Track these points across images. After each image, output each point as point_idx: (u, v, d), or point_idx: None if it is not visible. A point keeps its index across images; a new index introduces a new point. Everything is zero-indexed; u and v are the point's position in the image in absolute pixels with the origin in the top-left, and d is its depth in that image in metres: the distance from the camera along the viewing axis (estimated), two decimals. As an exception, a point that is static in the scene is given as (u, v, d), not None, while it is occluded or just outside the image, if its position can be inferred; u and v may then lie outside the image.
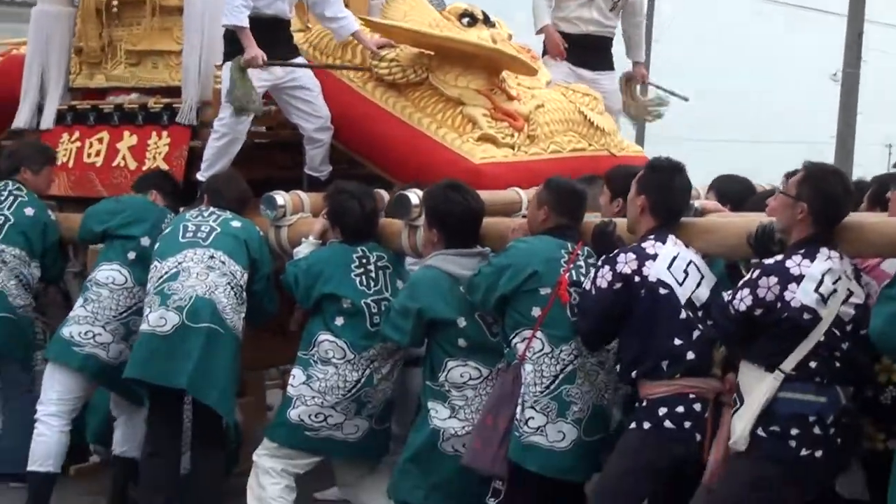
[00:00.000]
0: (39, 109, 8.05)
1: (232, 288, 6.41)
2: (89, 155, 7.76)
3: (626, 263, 5.19)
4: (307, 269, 6.19)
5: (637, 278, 5.15)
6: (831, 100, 22.62)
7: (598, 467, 5.52)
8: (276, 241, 6.67)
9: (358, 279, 6.13)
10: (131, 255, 6.79)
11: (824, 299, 4.77)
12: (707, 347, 5.15)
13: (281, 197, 6.64)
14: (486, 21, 7.28)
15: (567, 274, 5.45)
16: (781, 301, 4.78)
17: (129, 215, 6.89)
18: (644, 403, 5.17)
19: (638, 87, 8.79)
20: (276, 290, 6.68)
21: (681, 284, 5.17)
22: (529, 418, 5.40)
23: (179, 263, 6.40)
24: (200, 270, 6.37)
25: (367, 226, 6.28)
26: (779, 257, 4.89)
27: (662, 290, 5.14)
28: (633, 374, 5.20)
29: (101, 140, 7.74)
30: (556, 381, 5.41)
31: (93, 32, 7.96)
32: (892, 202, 5.19)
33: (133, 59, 7.85)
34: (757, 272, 4.88)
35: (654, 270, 5.15)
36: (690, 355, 5.12)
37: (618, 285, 5.19)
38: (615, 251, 5.29)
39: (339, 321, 6.10)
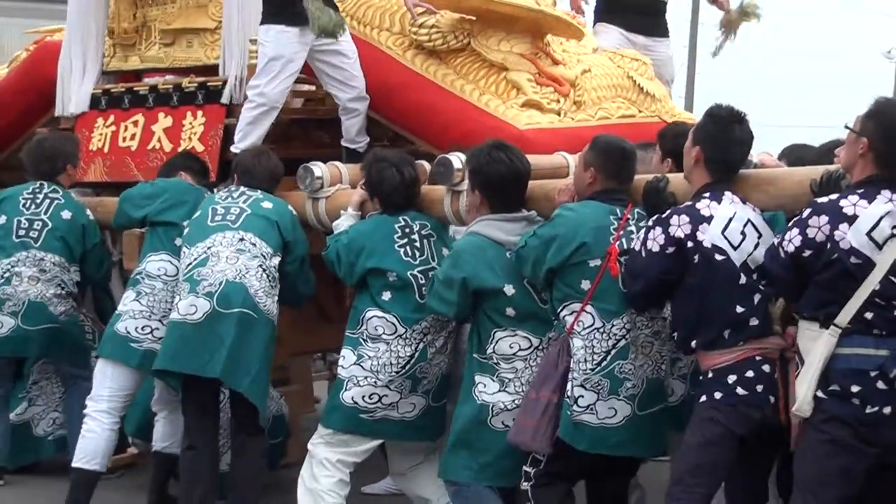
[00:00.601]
0: None
1: (264, 270, 6.10)
2: (124, 139, 7.50)
3: (679, 227, 4.84)
4: (348, 245, 5.87)
5: (690, 243, 4.82)
6: (887, 78, 22.26)
7: (655, 442, 5.24)
8: (314, 214, 6.36)
9: (402, 250, 5.81)
10: (178, 242, 6.42)
11: (878, 245, 4.40)
12: (768, 308, 4.83)
13: (318, 168, 6.33)
14: (537, -15, 6.97)
15: (617, 243, 5.13)
16: (831, 241, 4.43)
17: (167, 199, 6.58)
18: (710, 374, 4.86)
19: None
20: (311, 271, 6.39)
21: (736, 248, 4.81)
22: (579, 397, 5.10)
23: (208, 248, 6.09)
24: (230, 254, 6.06)
25: (408, 195, 5.95)
26: (833, 196, 4.53)
27: (718, 256, 4.80)
28: (693, 344, 4.88)
29: (136, 123, 7.48)
30: (609, 357, 5.10)
31: (126, 13, 7.76)
32: None
33: (168, 39, 7.61)
34: (808, 211, 4.54)
35: (708, 235, 4.80)
36: (754, 321, 4.79)
37: (670, 249, 4.86)
38: (668, 211, 4.95)
39: (387, 296, 5.78)
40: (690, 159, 5.01)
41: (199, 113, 7.18)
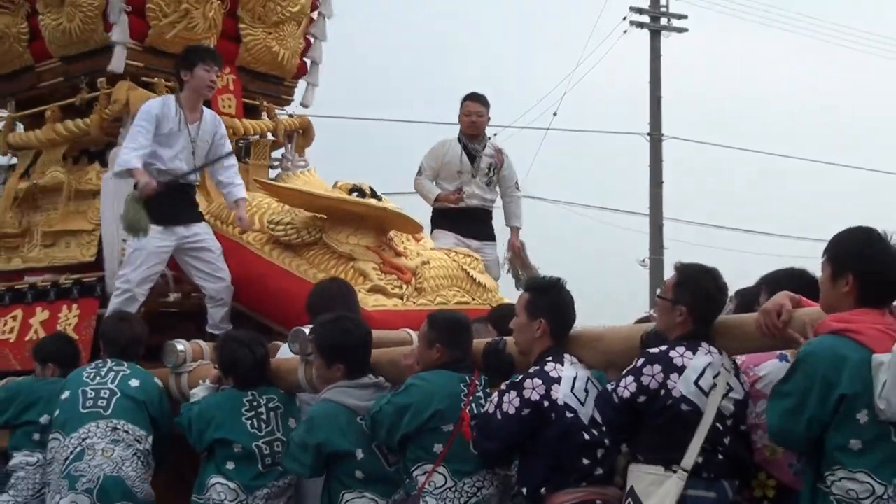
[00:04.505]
0: None
1: (139, 458, 5.51)
2: (3, 332, 6.90)
3: (533, 389, 4.44)
4: (199, 414, 5.35)
5: (546, 403, 4.42)
6: (643, 282, 23.11)
7: None
8: (177, 387, 5.78)
9: (249, 422, 5.28)
10: (36, 437, 5.81)
11: (705, 392, 4.14)
12: (612, 460, 4.45)
13: (181, 344, 5.81)
14: (374, 195, 6.68)
15: (468, 408, 4.69)
16: (665, 389, 4.14)
17: (21, 402, 5.94)
18: None
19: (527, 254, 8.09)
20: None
21: (583, 404, 4.46)
22: None
23: (83, 440, 5.46)
24: (105, 446, 5.45)
25: (259, 372, 5.42)
26: (663, 347, 4.27)
27: (569, 414, 4.43)
28: (543, 491, 4.42)
29: (15, 318, 6.91)
30: None
31: (13, 220, 7.30)
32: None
33: (48, 241, 7.14)
34: (642, 360, 4.25)
35: (561, 394, 4.43)
36: (598, 471, 4.44)
37: (526, 411, 4.43)
38: (520, 377, 4.54)
39: (231, 465, 5.24)
40: (532, 332, 4.63)
41: (74, 306, 6.65)
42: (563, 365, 4.52)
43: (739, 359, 4.39)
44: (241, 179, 6.58)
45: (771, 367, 4.34)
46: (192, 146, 6.40)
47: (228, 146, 6.61)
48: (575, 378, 4.49)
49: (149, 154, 6.25)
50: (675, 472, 4.08)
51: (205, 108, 6.54)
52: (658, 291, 4.50)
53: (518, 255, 8.01)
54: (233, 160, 6.61)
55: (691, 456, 4.06)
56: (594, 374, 4.63)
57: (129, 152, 6.19)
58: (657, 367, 4.17)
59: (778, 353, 4.33)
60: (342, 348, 5.05)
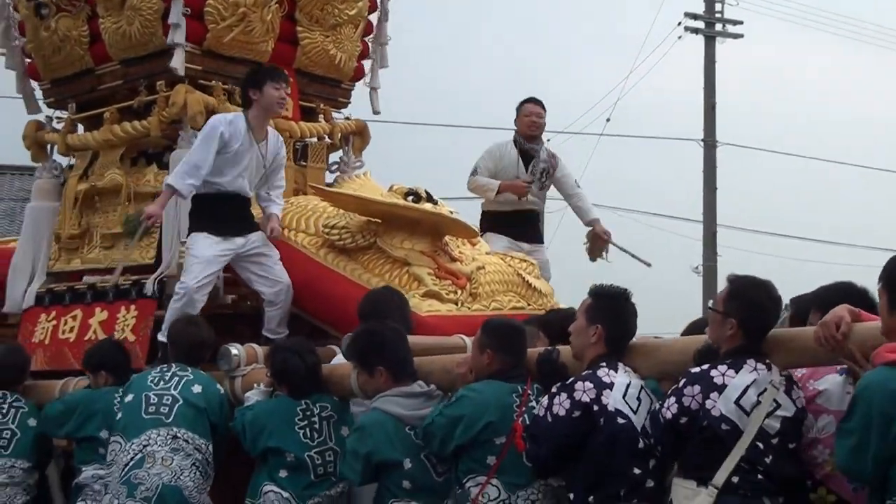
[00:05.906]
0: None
1: (198, 467, 5.44)
2: (64, 332, 6.86)
3: (584, 392, 4.30)
4: (252, 421, 5.29)
5: (596, 407, 4.28)
6: (696, 289, 22.81)
7: None
8: (231, 391, 5.70)
9: (301, 432, 5.20)
10: (102, 451, 5.75)
11: (746, 412, 4.02)
12: (663, 473, 4.30)
13: (235, 348, 5.73)
14: (430, 199, 6.55)
15: (520, 419, 4.54)
16: (703, 409, 4.05)
17: (80, 414, 5.92)
18: None
19: (604, 252, 8.01)
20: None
21: (635, 413, 4.33)
22: None
23: (144, 447, 5.41)
24: (165, 454, 5.40)
25: (312, 380, 5.33)
26: (705, 366, 4.16)
27: (620, 420, 4.29)
28: (590, 499, 4.26)
29: (74, 317, 6.87)
30: None
31: (73, 221, 7.24)
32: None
33: (107, 243, 7.08)
34: (683, 380, 4.16)
35: (612, 400, 4.30)
36: (649, 482, 4.27)
37: (576, 413, 4.29)
38: (571, 379, 4.40)
39: (283, 473, 5.17)
40: (588, 338, 4.49)
41: (133, 307, 6.58)
42: (616, 371, 4.38)
43: (798, 373, 4.23)
44: (282, 201, 6.50)
45: (830, 381, 4.21)
46: (257, 164, 6.28)
47: (283, 169, 6.53)
48: (628, 385, 4.36)
49: (204, 176, 6.13)
50: (707, 487, 3.96)
51: (269, 129, 6.41)
52: (710, 303, 4.38)
53: (605, 240, 7.93)
54: (283, 183, 6.53)
55: (723, 474, 3.96)
56: (649, 385, 4.49)
57: (184, 175, 6.10)
58: (697, 388, 4.07)
59: (837, 367, 4.17)
60: (375, 352, 4.98)
